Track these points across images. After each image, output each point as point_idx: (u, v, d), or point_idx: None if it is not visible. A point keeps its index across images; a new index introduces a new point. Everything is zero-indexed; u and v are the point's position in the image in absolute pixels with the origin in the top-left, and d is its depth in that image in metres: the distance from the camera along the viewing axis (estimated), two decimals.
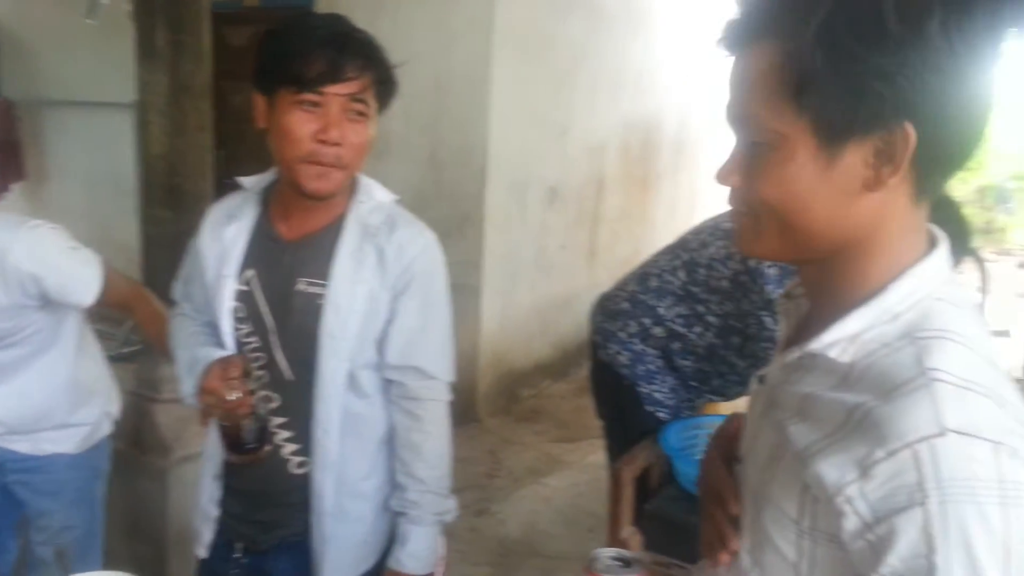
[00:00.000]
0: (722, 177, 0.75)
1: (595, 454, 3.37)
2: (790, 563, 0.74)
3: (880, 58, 0.62)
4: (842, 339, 0.71)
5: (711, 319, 2.03)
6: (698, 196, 6.62)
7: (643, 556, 0.95)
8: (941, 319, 0.69)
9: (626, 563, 0.93)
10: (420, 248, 1.39)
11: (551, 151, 4.61)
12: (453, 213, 4.17)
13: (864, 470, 0.64)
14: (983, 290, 6.38)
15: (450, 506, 1.43)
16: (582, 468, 3.84)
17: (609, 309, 2.21)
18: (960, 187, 12.75)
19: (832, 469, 0.66)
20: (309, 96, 1.25)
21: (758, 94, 0.69)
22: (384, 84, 1.33)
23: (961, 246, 1.68)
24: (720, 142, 6.87)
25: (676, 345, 2.09)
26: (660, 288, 2.11)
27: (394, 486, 1.43)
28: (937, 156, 0.68)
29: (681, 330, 2.07)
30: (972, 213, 12.30)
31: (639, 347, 2.12)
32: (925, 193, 0.71)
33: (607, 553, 0.95)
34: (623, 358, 2.13)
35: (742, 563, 0.80)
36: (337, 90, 1.25)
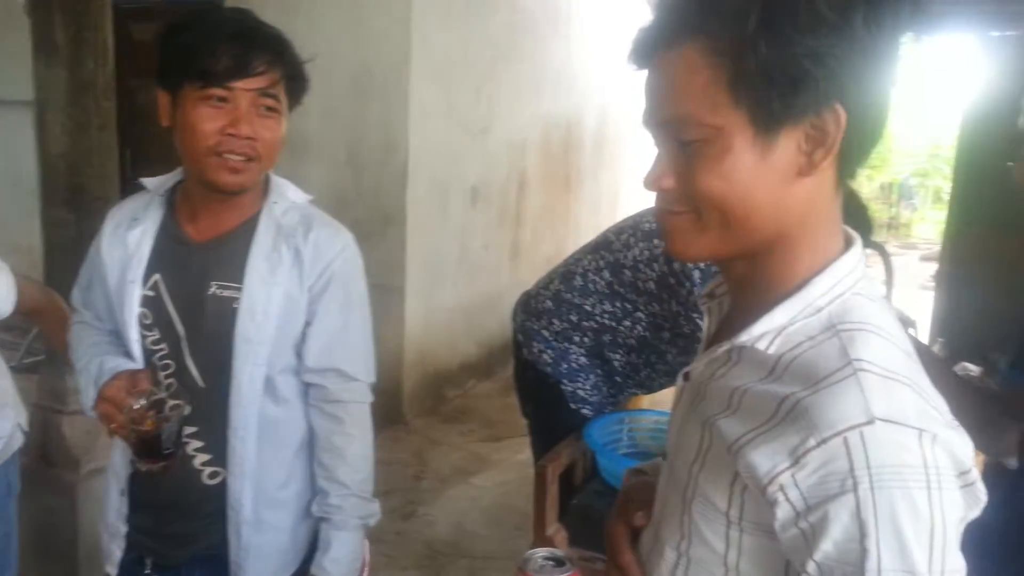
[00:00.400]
0: (653, 182, 0.75)
1: (522, 452, 3.38)
2: (718, 554, 0.75)
3: (814, 41, 0.65)
4: (770, 331, 0.73)
5: (640, 315, 2.06)
6: (620, 194, 6.73)
7: (572, 553, 0.95)
8: (860, 312, 0.71)
9: (559, 562, 0.93)
10: (338, 248, 1.36)
11: (472, 150, 4.61)
12: (374, 213, 4.12)
13: (796, 459, 0.65)
14: (889, 283, 6.67)
15: (374, 509, 1.41)
16: (509, 467, 3.85)
17: (532, 308, 2.22)
18: (865, 184, 13.32)
19: (764, 459, 0.67)
20: (216, 91, 1.21)
21: (690, 93, 0.70)
22: (294, 79, 1.30)
23: (863, 239, 1.78)
24: (641, 140, 7.00)
25: (607, 337, 2.10)
26: (584, 287, 2.12)
27: (315, 491, 1.40)
28: (858, 140, 0.71)
29: (611, 324, 2.09)
30: (877, 209, 12.87)
31: (563, 345, 2.13)
32: (848, 177, 0.74)
33: (540, 553, 0.94)
34: (547, 356, 2.14)
35: (667, 558, 0.81)
36: (245, 85, 1.22)
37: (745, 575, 0.74)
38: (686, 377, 0.84)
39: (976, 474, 0.67)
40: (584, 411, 2.11)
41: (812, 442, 0.65)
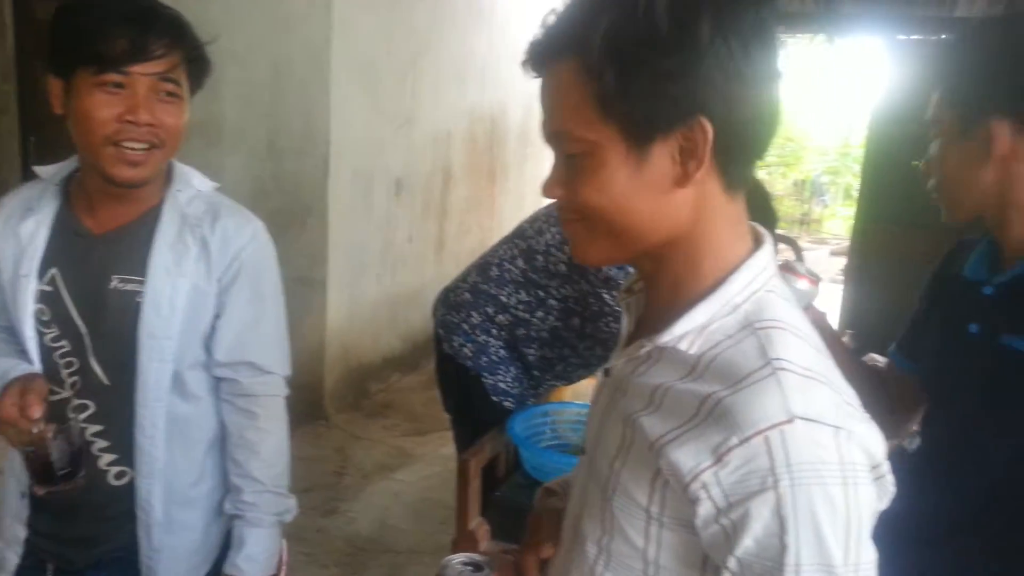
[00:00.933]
0: (547, 191, 0.78)
1: (447, 446, 3.37)
2: (638, 549, 0.76)
3: (665, 60, 0.68)
4: (691, 331, 0.74)
5: (552, 302, 2.08)
6: (528, 192, 6.76)
7: (492, 556, 0.95)
8: (774, 310, 0.73)
9: (477, 567, 0.92)
10: (248, 237, 1.32)
11: (396, 141, 4.55)
12: (295, 204, 4.02)
13: (718, 457, 0.67)
14: None
15: (290, 505, 1.38)
16: (433, 460, 3.83)
17: (451, 301, 2.22)
18: (779, 181, 13.77)
19: (687, 457, 0.68)
20: (112, 76, 1.15)
21: (566, 109, 0.73)
22: (195, 62, 1.25)
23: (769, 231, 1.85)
24: None
25: (521, 332, 2.12)
26: (500, 277, 2.14)
27: (228, 488, 1.36)
28: (736, 147, 0.73)
29: (524, 315, 2.10)
30: (790, 205, 13.32)
31: (482, 338, 2.13)
32: (735, 184, 0.76)
33: (458, 559, 0.93)
34: (467, 350, 2.14)
35: (588, 553, 0.82)
36: (143, 69, 1.16)
37: (665, 569, 0.76)
38: (607, 373, 0.85)
39: (887, 467, 0.70)
40: (506, 404, 2.12)
41: (734, 440, 0.66)
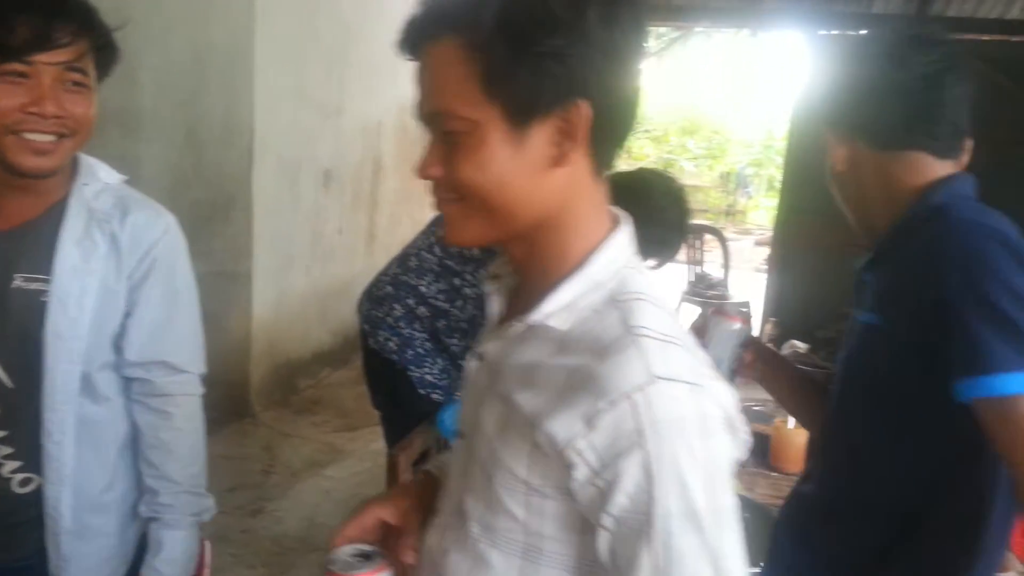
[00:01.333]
0: (422, 171, 0.79)
1: (377, 442, 3.33)
2: (519, 522, 0.79)
3: (554, 41, 0.71)
4: (559, 309, 0.78)
5: (468, 291, 2.07)
6: None
7: (381, 546, 0.95)
8: (635, 284, 0.79)
9: (366, 556, 0.92)
10: (159, 232, 1.27)
11: (324, 131, 4.46)
12: (217, 196, 3.90)
13: (590, 422, 0.71)
14: (726, 266, 7.04)
15: (208, 505, 1.35)
16: (364, 456, 3.78)
17: (375, 295, 2.20)
18: (705, 173, 14.08)
19: (561, 426, 0.73)
20: (15, 66, 1.09)
21: (448, 87, 0.74)
22: (103, 50, 1.19)
23: (682, 230, 1.98)
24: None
25: (441, 323, 2.11)
26: (419, 267, 2.13)
27: (143, 491, 1.31)
28: (608, 131, 0.77)
29: (444, 306, 2.10)
30: (716, 197, 13.63)
31: (407, 331, 2.12)
32: (602, 166, 0.80)
33: (346, 551, 0.92)
34: (392, 344, 2.12)
35: (472, 532, 0.84)
36: (49, 58, 1.10)
37: (547, 539, 0.79)
38: (480, 357, 0.87)
39: (741, 419, 0.77)
40: (434, 396, 2.11)
41: (602, 405, 0.71)
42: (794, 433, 2.08)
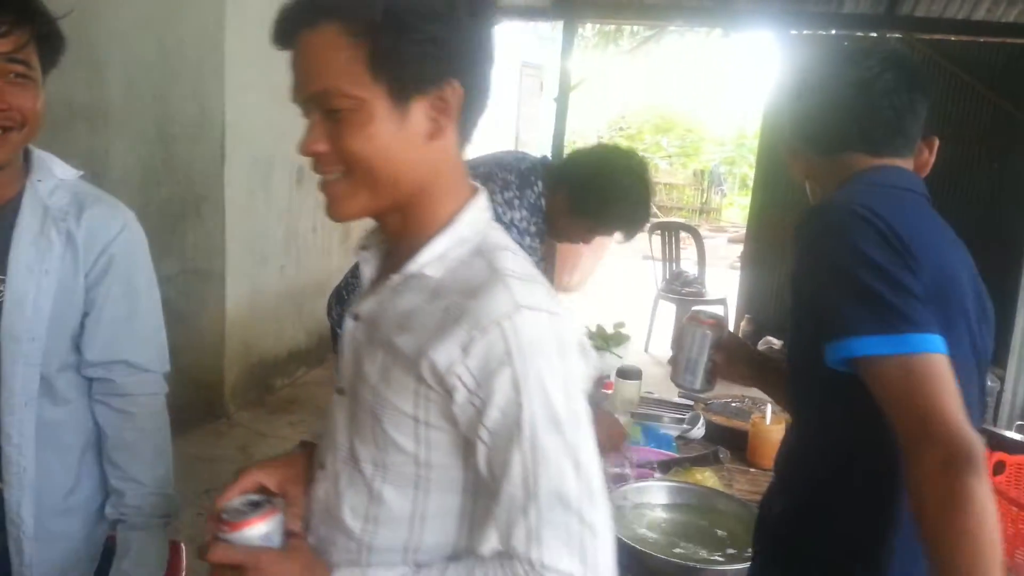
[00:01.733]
0: (307, 149, 0.87)
1: None
2: (410, 454, 0.90)
3: (431, 28, 0.83)
4: (433, 259, 0.90)
5: None
6: None
7: (270, 494, 1.00)
8: (496, 239, 0.92)
9: (256, 504, 0.95)
10: (117, 229, 1.25)
11: (297, 128, 4.37)
12: (188, 193, 3.85)
13: (466, 349, 0.83)
14: (701, 263, 7.07)
15: (176, 505, 1.33)
16: None
17: (344, 298, 2.18)
18: (679, 172, 14.15)
19: (442, 356, 0.84)
20: None
21: (333, 68, 0.84)
22: (47, 39, 1.16)
23: (647, 204, 2.08)
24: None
25: None
26: None
27: (108, 492, 1.29)
28: (473, 108, 0.90)
29: None
30: (690, 195, 13.70)
31: None
32: (465, 140, 0.93)
33: (236, 502, 0.95)
34: None
35: (365, 472, 0.93)
36: None
37: (434, 467, 0.90)
38: (356, 317, 0.97)
39: (588, 342, 0.92)
40: None
41: (476, 334, 0.83)
42: (771, 429, 2.10)
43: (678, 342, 1.42)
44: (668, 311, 5.67)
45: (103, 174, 3.89)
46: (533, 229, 2.09)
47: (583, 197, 2.05)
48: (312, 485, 1.01)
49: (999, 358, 3.32)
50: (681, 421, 2.36)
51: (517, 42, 8.20)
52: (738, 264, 6.45)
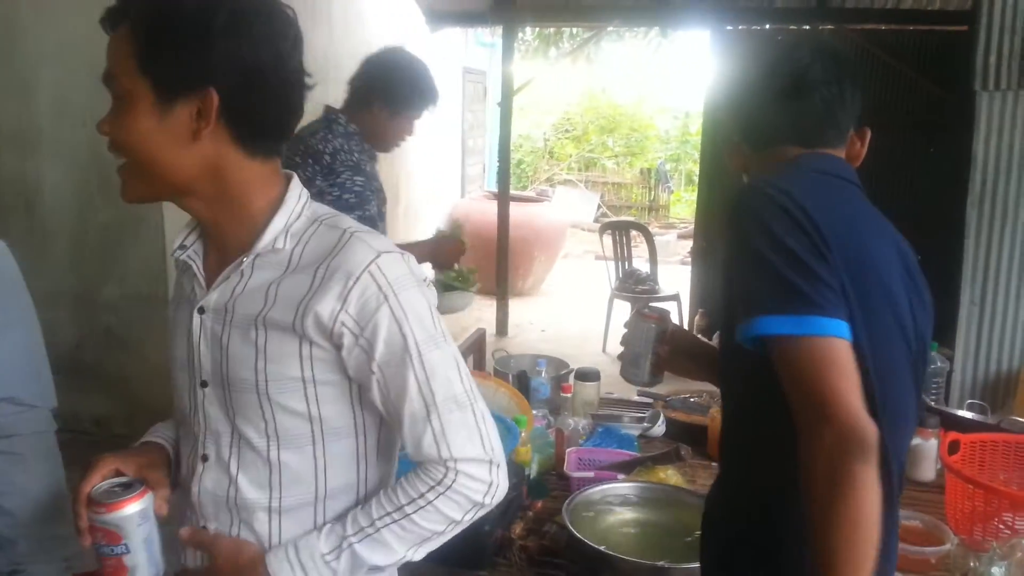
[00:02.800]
0: (99, 127, 0.97)
1: None
2: (302, 415, 0.99)
3: (192, 41, 0.92)
4: (278, 234, 0.99)
5: None
6: (400, 185, 6.65)
7: (140, 476, 1.05)
8: (322, 209, 1.05)
9: (127, 486, 0.99)
10: None
11: None
12: (126, 217, 3.72)
13: (343, 299, 0.95)
14: (652, 260, 7.12)
15: (74, 545, 1.26)
16: None
17: None
18: (626, 171, 14.28)
19: (324, 312, 0.95)
20: None
21: (117, 59, 0.95)
22: None
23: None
24: (419, 132, 6.95)
25: None
26: None
27: (0, 544, 1.23)
28: (244, 115, 0.96)
29: None
30: (638, 193, 13.83)
31: None
32: (253, 148, 0.99)
33: (105, 485, 1.00)
34: None
35: (257, 446, 1.00)
36: None
37: (327, 420, 1.00)
38: (201, 311, 1.02)
39: (427, 278, 1.03)
40: None
41: (350, 283, 0.95)
42: None
43: (625, 337, 1.46)
44: (623, 310, 5.69)
45: (36, 201, 3.75)
46: (355, 158, 2.44)
47: (384, 89, 2.44)
48: (195, 480, 1.05)
49: (947, 339, 3.39)
50: (642, 420, 2.36)
51: (458, 48, 8.18)
52: (689, 259, 6.51)
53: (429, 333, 0.97)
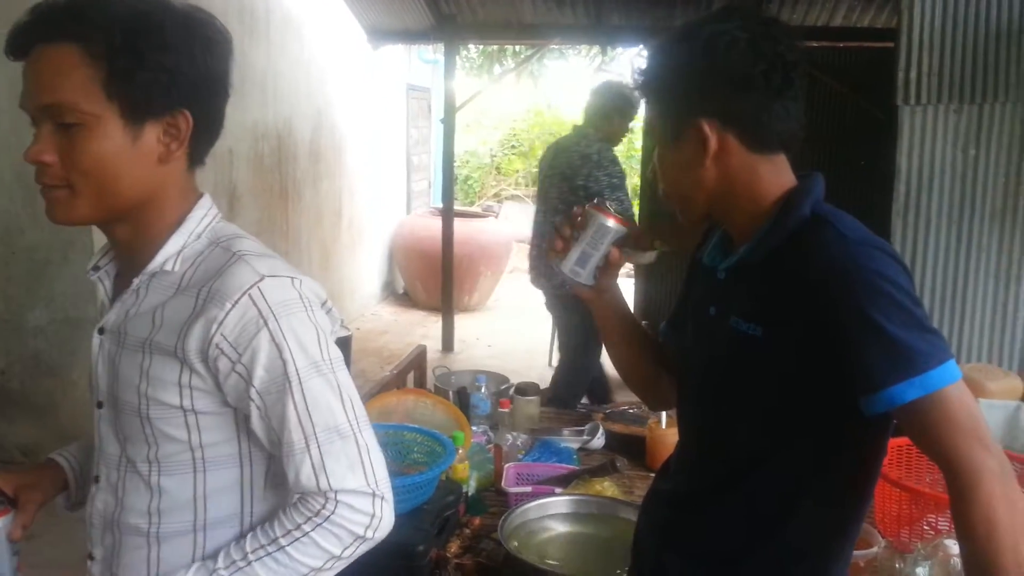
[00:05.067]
0: (33, 157, 0.92)
1: None
2: (183, 442, 0.97)
3: (164, 60, 0.91)
4: (171, 256, 0.98)
5: None
6: (344, 204, 6.59)
7: (12, 491, 1.07)
8: (227, 230, 1.02)
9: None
10: None
11: None
12: (54, 239, 3.61)
13: (221, 323, 0.92)
14: None
15: None
16: None
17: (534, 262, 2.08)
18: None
19: (199, 337, 0.93)
20: None
21: (69, 85, 0.90)
22: None
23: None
24: (363, 148, 6.95)
25: None
26: None
27: None
28: (203, 135, 0.98)
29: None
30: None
31: None
32: (196, 162, 1.01)
33: None
34: None
35: (141, 471, 0.99)
36: None
37: (208, 447, 0.98)
38: (101, 331, 1.02)
39: (331, 304, 1.03)
40: None
41: (228, 306, 0.92)
42: (668, 433, 2.12)
43: (579, 229, 1.22)
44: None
45: None
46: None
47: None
48: (90, 501, 1.05)
49: None
50: (581, 433, 2.37)
51: (401, 65, 8.16)
52: (633, 272, 6.58)
53: (312, 360, 0.94)
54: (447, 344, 6.26)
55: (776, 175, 1.08)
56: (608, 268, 1.24)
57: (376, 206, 7.49)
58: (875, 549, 1.67)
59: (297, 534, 0.93)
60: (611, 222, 1.21)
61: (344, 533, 0.94)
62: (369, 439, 0.97)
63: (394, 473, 1.81)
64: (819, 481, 1.05)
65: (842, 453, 1.05)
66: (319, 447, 0.93)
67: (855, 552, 1.63)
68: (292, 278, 0.97)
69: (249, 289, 0.92)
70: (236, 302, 0.92)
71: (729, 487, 1.10)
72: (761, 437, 1.07)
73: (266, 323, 0.92)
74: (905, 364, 0.92)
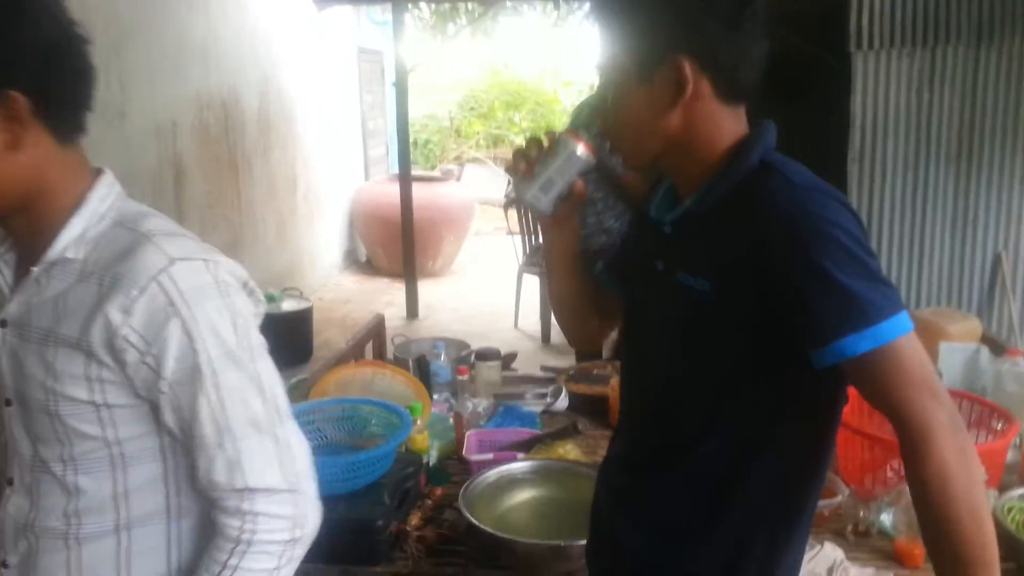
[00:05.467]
0: None
1: None
2: (98, 439, 0.91)
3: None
4: (72, 241, 0.91)
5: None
6: (298, 174, 6.44)
7: None
8: (132, 209, 0.96)
9: None
10: None
11: (110, 137, 4.06)
12: None
13: (126, 312, 0.86)
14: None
15: None
16: None
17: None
18: None
19: (105, 327, 0.86)
20: None
21: None
22: None
23: None
24: (315, 117, 6.77)
25: None
26: None
27: None
28: (57, 109, 0.89)
29: None
30: None
31: None
32: (65, 137, 0.92)
33: None
34: None
35: (56, 472, 0.93)
36: None
37: (126, 442, 0.92)
38: (3, 324, 0.95)
39: (254, 284, 0.97)
40: None
41: (135, 293, 0.86)
42: None
43: (547, 155, 1.13)
44: (532, 284, 5.68)
45: None
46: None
47: None
48: (1, 506, 1.00)
49: None
50: (544, 396, 2.34)
51: (351, 27, 7.94)
52: None
53: (227, 350, 0.88)
54: (411, 311, 6.20)
55: (736, 126, 1.02)
56: (570, 198, 1.15)
57: (333, 174, 7.34)
58: (839, 498, 1.67)
59: (228, 573, 0.88)
60: (582, 150, 1.12)
61: (273, 547, 0.90)
62: (289, 431, 0.92)
63: (351, 447, 1.79)
64: (777, 436, 1.02)
65: (798, 405, 1.01)
66: (234, 442, 0.88)
67: (819, 502, 1.65)
68: (206, 260, 0.90)
69: (158, 275, 0.86)
70: (144, 289, 0.86)
71: (683, 448, 1.06)
72: (713, 393, 1.03)
73: (177, 311, 0.86)
74: (857, 315, 0.88)
